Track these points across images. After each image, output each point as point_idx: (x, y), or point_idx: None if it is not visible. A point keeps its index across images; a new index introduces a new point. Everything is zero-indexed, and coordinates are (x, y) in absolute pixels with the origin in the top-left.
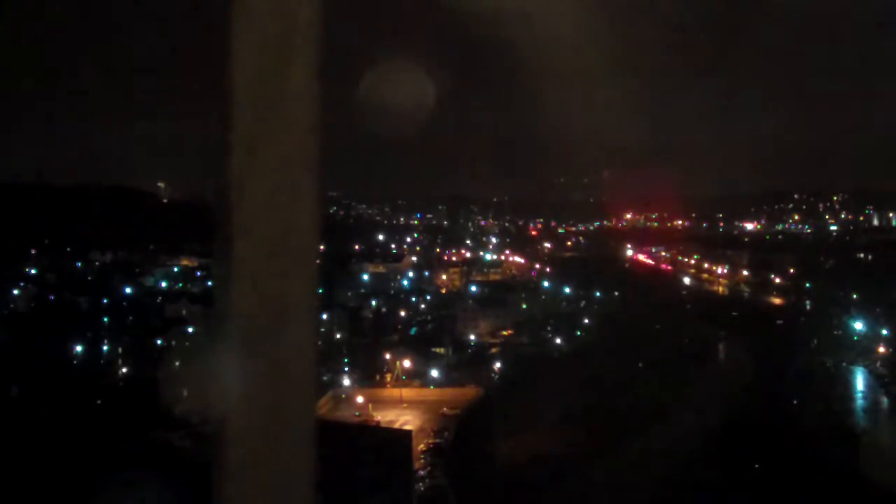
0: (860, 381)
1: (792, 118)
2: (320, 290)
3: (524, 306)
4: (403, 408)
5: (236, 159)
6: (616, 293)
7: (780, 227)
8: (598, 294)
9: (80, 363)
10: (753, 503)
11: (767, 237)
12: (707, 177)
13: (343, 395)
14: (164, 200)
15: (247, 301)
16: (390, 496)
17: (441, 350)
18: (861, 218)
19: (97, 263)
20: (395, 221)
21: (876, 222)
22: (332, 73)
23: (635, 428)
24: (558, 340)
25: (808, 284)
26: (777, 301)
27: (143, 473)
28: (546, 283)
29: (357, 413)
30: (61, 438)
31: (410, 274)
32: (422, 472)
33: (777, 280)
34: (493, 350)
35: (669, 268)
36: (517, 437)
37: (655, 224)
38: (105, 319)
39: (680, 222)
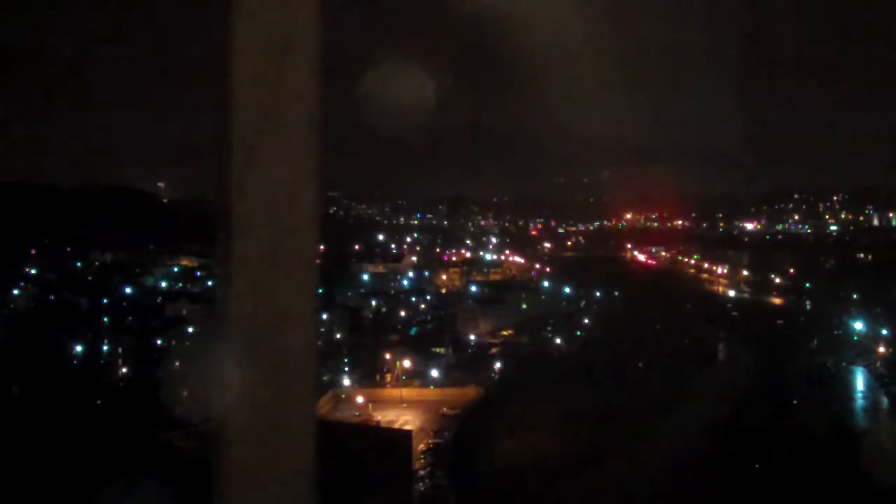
0: (860, 381)
1: (792, 118)
2: (320, 290)
3: (524, 306)
4: (403, 408)
5: (236, 159)
6: (616, 293)
7: (780, 227)
8: (598, 294)
9: (80, 363)
10: (753, 503)
11: (767, 237)
12: (707, 177)
13: (343, 395)
14: (164, 200)
15: (247, 301)
16: (390, 496)
17: (441, 350)
18: (861, 218)
19: (97, 263)
20: (395, 221)
21: (876, 222)
22: (332, 73)
23: (635, 428)
24: (558, 340)
25: (808, 284)
26: (777, 301)
27: (143, 473)
28: (546, 283)
29: (357, 413)
30: (61, 438)
31: (410, 274)
32: (422, 472)
33: (777, 280)
34: (493, 350)
35: (669, 268)
36: (517, 437)
37: (655, 224)
38: (105, 319)
39: (680, 222)
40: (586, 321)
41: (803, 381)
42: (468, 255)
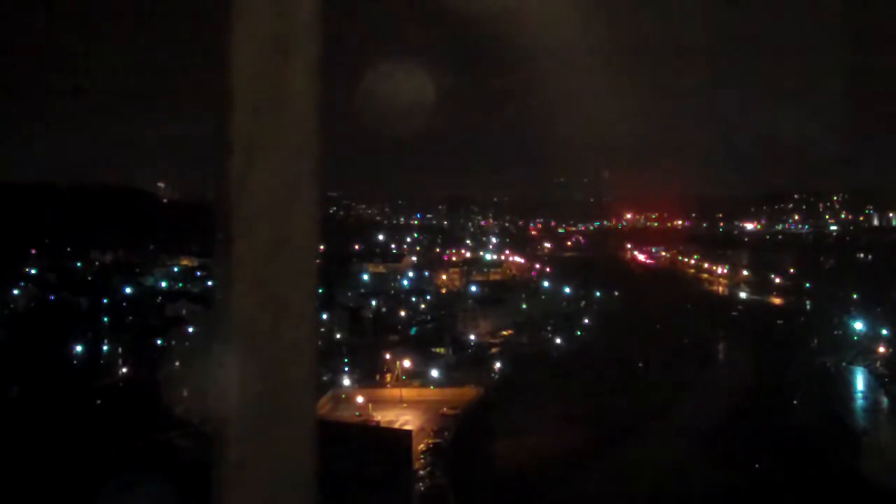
0: (860, 381)
1: (792, 118)
2: (320, 290)
3: (524, 306)
4: (403, 408)
5: (236, 159)
6: (616, 293)
7: (780, 227)
8: (597, 294)
9: (80, 363)
10: (753, 503)
11: (767, 237)
12: (707, 177)
13: (343, 395)
14: (164, 200)
15: (247, 301)
16: (390, 496)
17: (441, 350)
18: (861, 218)
19: (97, 263)
20: (395, 221)
21: (876, 222)
22: (332, 73)
23: (635, 428)
24: (558, 340)
25: (808, 284)
26: (777, 301)
27: (143, 473)
28: (546, 283)
29: (357, 413)
30: (61, 438)
31: (410, 274)
32: (422, 472)
33: (777, 280)
34: (493, 350)
35: (669, 268)
36: (517, 437)
37: (655, 224)
38: (105, 319)
39: (680, 222)
40: (586, 321)
41: (803, 381)
42: (468, 255)
